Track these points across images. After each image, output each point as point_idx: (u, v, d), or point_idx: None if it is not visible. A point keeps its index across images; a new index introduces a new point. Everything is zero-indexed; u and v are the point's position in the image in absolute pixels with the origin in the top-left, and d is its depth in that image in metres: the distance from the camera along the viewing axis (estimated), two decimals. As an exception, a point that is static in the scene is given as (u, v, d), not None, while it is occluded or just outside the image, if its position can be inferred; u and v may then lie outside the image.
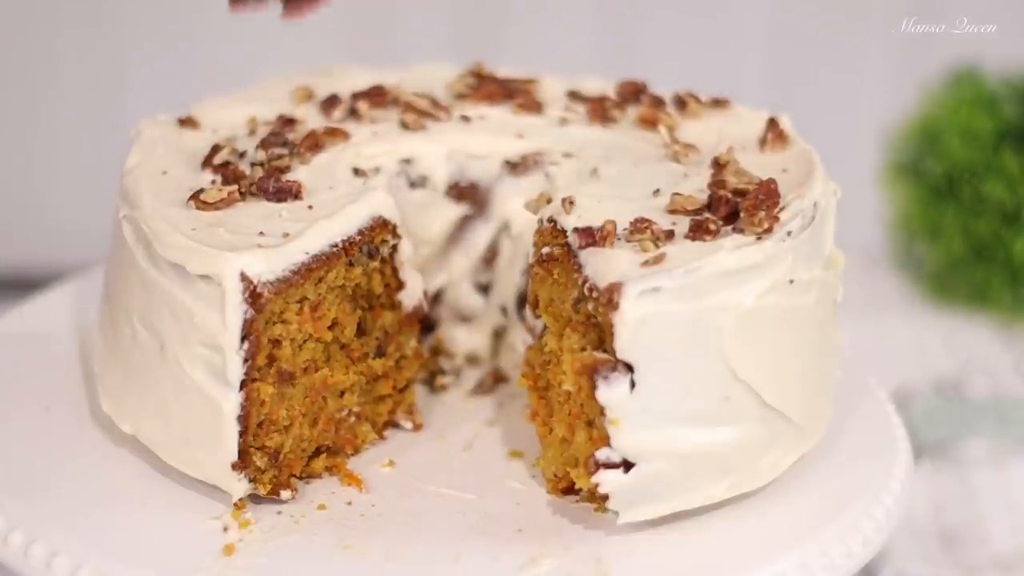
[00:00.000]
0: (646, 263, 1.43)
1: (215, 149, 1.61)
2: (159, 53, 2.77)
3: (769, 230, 1.46)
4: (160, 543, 1.44)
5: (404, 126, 1.68)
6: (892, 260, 2.49)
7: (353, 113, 1.71)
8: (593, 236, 1.46)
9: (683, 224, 1.48)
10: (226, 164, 1.59)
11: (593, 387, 1.43)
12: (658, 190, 1.56)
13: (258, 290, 1.44)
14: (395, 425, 1.65)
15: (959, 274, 2.36)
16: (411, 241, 1.63)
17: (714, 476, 1.47)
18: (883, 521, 1.52)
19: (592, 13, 2.81)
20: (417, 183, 1.67)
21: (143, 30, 2.77)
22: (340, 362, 1.58)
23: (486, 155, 1.67)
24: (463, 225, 1.69)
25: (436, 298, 1.71)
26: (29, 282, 2.33)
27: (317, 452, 1.57)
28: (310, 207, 1.54)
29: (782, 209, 1.50)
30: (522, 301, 1.66)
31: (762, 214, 1.47)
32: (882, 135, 2.47)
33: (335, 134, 1.65)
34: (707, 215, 1.50)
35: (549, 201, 1.59)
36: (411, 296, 1.63)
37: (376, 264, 1.59)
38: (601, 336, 1.44)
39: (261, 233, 1.49)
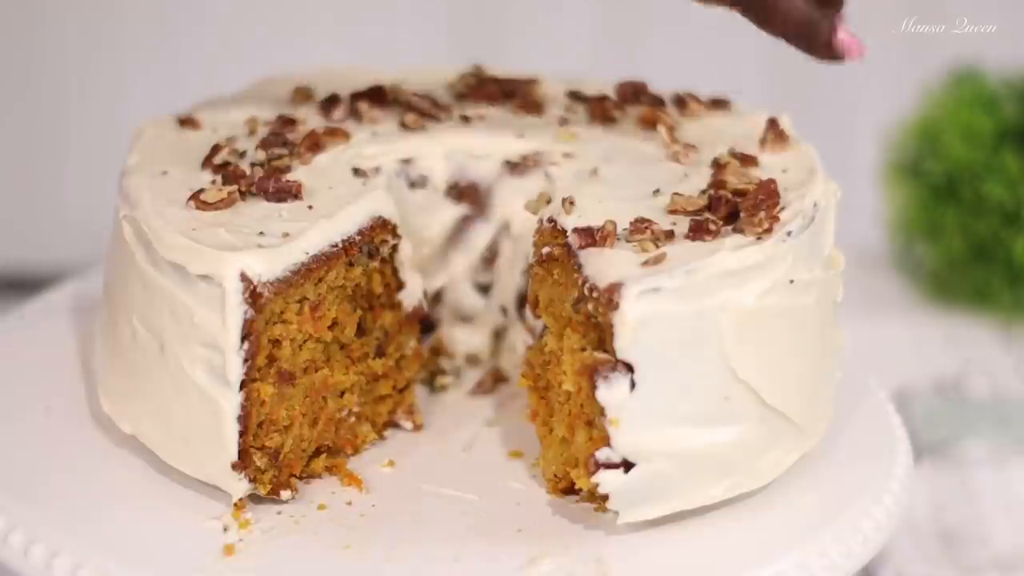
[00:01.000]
0: (646, 263, 1.43)
1: (215, 149, 1.61)
2: (159, 53, 2.77)
3: (769, 230, 1.46)
4: (160, 543, 1.44)
5: (404, 126, 1.68)
6: (892, 260, 2.49)
7: (353, 113, 1.71)
8: (593, 236, 1.46)
9: (683, 224, 1.48)
10: (226, 164, 1.59)
11: (593, 387, 1.43)
12: (658, 190, 1.56)
13: (258, 290, 1.44)
14: (395, 425, 1.65)
15: (959, 274, 2.36)
16: (411, 241, 1.63)
17: (714, 476, 1.47)
18: (883, 521, 1.52)
19: (592, 13, 2.81)
20: (417, 183, 1.67)
21: (143, 30, 2.77)
22: (340, 362, 1.58)
23: (486, 155, 1.67)
24: (463, 225, 1.69)
25: (436, 298, 1.71)
26: (29, 282, 2.33)
27: (317, 452, 1.57)
28: (310, 207, 1.54)
29: (782, 209, 1.50)
30: (522, 301, 1.66)
31: (762, 214, 1.47)
32: (882, 135, 2.47)
33: (335, 134, 1.65)
34: (707, 215, 1.50)
35: (549, 201, 1.59)
36: (411, 296, 1.63)
37: (376, 264, 1.59)
38: (601, 336, 1.44)
39: (261, 233, 1.49)
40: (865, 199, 2.46)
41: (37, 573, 1.43)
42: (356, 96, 1.73)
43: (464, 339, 1.73)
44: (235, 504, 1.48)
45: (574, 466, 1.48)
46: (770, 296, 1.45)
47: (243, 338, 1.44)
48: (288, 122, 1.68)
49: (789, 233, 1.47)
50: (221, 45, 2.74)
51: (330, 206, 1.54)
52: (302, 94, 1.75)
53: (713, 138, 1.66)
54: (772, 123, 1.66)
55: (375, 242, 1.58)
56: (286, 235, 1.49)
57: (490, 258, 1.70)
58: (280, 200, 1.55)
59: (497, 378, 1.73)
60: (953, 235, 2.33)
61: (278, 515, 1.50)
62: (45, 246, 2.69)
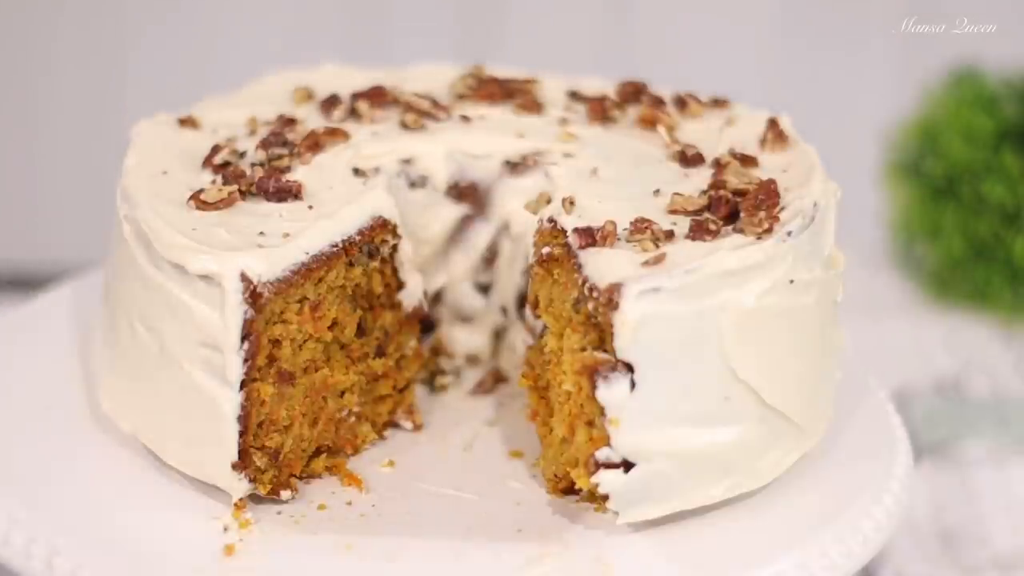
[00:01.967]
0: (646, 263, 1.43)
1: (215, 149, 1.61)
2: (159, 53, 2.78)
3: (769, 230, 1.46)
4: (160, 543, 1.44)
5: (404, 126, 1.68)
6: (892, 260, 2.49)
7: (353, 113, 1.71)
8: (593, 236, 1.46)
9: (683, 224, 1.48)
10: (226, 164, 1.59)
11: (593, 387, 1.43)
12: (658, 190, 1.56)
13: (258, 290, 1.45)
14: (395, 425, 1.65)
15: (959, 274, 2.36)
16: (411, 241, 1.63)
17: (714, 476, 1.47)
18: (883, 521, 1.52)
19: (592, 13, 2.81)
20: (417, 183, 1.67)
21: (143, 30, 2.77)
22: (340, 362, 1.58)
23: (486, 155, 1.67)
24: (463, 225, 1.69)
25: (436, 298, 1.71)
26: (29, 282, 2.33)
27: (317, 452, 1.57)
28: (310, 207, 1.54)
29: (782, 209, 1.50)
30: (522, 301, 1.66)
31: (762, 214, 1.47)
32: (882, 135, 2.47)
33: (335, 134, 1.65)
34: (707, 215, 1.50)
35: (549, 201, 1.59)
36: (411, 296, 1.63)
37: (376, 264, 1.59)
38: (601, 336, 1.44)
39: (261, 233, 1.49)
40: (865, 199, 2.46)
41: (37, 573, 1.43)
42: (356, 96, 1.73)
43: (464, 339, 1.73)
44: (235, 504, 1.48)
45: (574, 466, 1.48)
46: (770, 296, 1.45)
47: (243, 338, 1.44)
48: (288, 122, 1.68)
49: (789, 233, 1.47)
50: (221, 45, 2.74)
51: (330, 206, 1.54)
52: (302, 94, 1.75)
53: (713, 138, 1.66)
54: (772, 123, 1.66)
55: (375, 242, 1.58)
56: (286, 235, 1.49)
57: (490, 258, 1.70)
58: (280, 200, 1.55)
59: (497, 378, 1.73)
60: (953, 235, 2.33)
61: (278, 515, 1.50)
62: (45, 246, 2.69)
